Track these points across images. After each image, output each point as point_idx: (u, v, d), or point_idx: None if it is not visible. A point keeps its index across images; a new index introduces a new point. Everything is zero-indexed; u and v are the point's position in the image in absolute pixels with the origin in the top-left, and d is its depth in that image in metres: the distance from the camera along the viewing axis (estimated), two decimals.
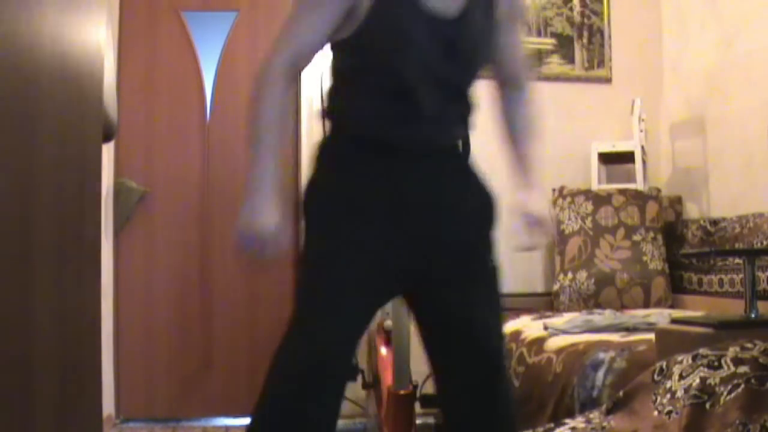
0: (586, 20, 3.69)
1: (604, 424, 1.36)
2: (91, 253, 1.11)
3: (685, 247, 3.15)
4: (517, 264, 3.58)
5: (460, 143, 1.59)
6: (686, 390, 1.27)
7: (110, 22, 2.65)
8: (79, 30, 1.05)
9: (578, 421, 1.42)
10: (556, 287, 3.22)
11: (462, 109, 1.55)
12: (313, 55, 1.41)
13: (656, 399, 1.33)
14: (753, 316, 1.71)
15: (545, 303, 3.30)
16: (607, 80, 3.70)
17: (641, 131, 3.36)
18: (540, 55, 3.66)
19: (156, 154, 3.44)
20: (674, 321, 1.75)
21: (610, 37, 3.70)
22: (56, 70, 0.96)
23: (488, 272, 1.46)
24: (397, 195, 1.39)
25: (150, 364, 3.41)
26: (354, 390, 2.82)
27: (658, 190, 3.35)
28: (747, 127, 2.98)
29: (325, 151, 1.47)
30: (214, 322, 3.40)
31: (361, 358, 3.08)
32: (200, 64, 3.51)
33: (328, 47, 1.44)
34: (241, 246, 1.35)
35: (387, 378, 2.26)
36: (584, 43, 3.69)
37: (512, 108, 1.61)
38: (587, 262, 3.15)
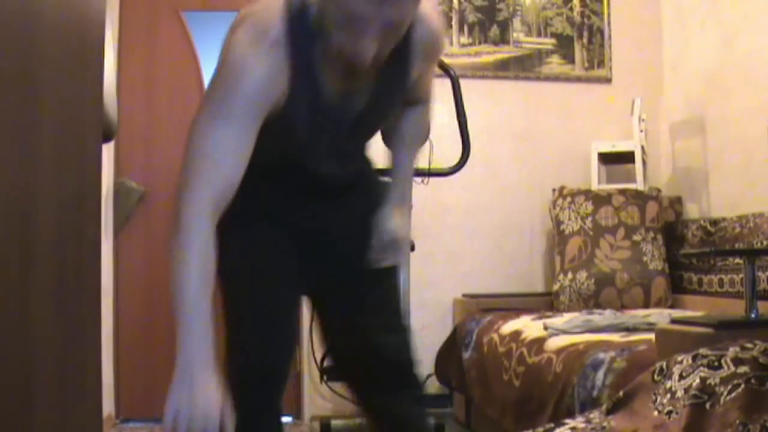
0: (586, 20, 3.69)
1: (604, 424, 1.36)
2: (91, 253, 1.11)
3: (685, 247, 3.15)
4: (517, 264, 3.59)
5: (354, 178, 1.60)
6: (686, 390, 1.27)
7: (110, 22, 2.65)
8: (79, 29, 1.05)
9: (578, 421, 1.42)
10: (556, 287, 3.22)
11: (357, 158, 1.60)
12: (238, 183, 1.29)
13: (656, 399, 1.33)
14: (753, 316, 1.71)
15: (545, 303, 3.30)
16: (607, 80, 3.70)
17: (641, 131, 3.36)
18: (540, 55, 3.66)
19: (156, 154, 3.44)
20: (674, 321, 1.75)
21: (610, 37, 3.71)
22: (56, 70, 0.96)
23: (375, 278, 1.56)
24: (295, 225, 1.52)
25: (150, 364, 3.41)
26: None
27: (658, 190, 3.35)
28: (747, 127, 2.98)
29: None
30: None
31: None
32: (200, 64, 3.51)
33: None
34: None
35: None
36: (584, 43, 3.69)
37: (405, 115, 1.59)
38: (587, 262, 3.15)
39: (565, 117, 3.67)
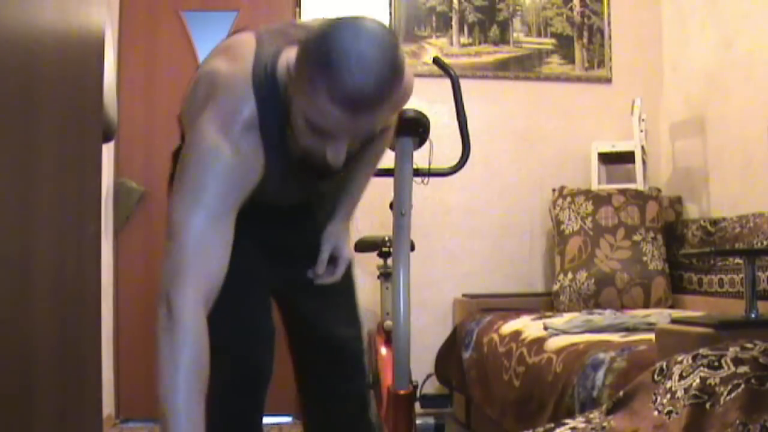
0: (586, 20, 3.69)
1: (604, 424, 1.36)
2: (91, 253, 1.11)
3: (685, 247, 3.15)
4: (517, 264, 3.59)
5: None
6: (686, 390, 1.27)
7: (110, 22, 2.66)
8: (79, 30, 1.05)
9: (578, 421, 1.42)
10: (556, 287, 3.22)
11: (319, 194, 1.67)
12: (226, 267, 1.26)
13: (656, 399, 1.33)
14: (753, 316, 1.71)
15: (545, 303, 3.30)
16: (607, 80, 3.70)
17: (641, 131, 3.36)
18: (540, 55, 3.66)
19: (156, 154, 3.43)
20: (674, 321, 1.75)
21: (610, 37, 3.71)
22: (56, 70, 0.96)
23: (333, 286, 1.67)
24: (265, 242, 1.58)
25: (150, 364, 3.38)
26: None
27: (658, 190, 3.35)
28: (747, 127, 2.98)
29: None
30: None
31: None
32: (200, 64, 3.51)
33: None
34: None
35: (387, 378, 2.27)
36: (584, 43, 3.69)
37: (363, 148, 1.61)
38: (587, 262, 3.15)
39: (565, 117, 3.67)
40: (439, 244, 3.52)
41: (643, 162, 3.38)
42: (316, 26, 1.21)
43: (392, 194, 1.98)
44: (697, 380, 1.27)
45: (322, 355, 1.73)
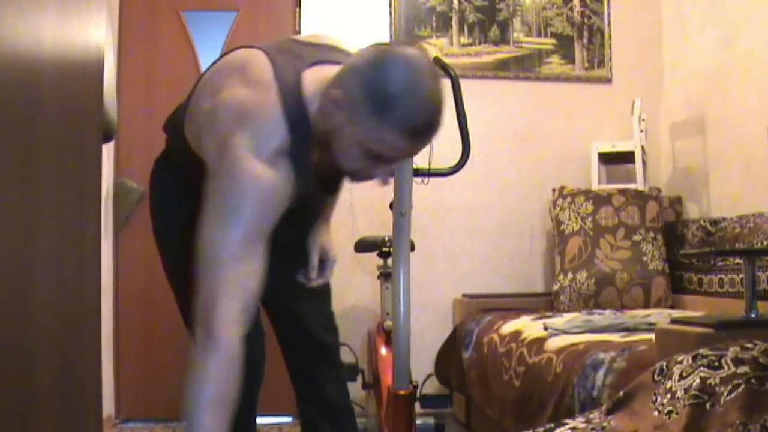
0: (586, 20, 3.69)
1: (604, 424, 1.36)
2: (91, 253, 1.11)
3: (685, 247, 3.15)
4: (517, 264, 3.59)
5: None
6: (686, 390, 1.27)
7: (110, 22, 2.66)
8: (79, 30, 1.05)
9: (578, 421, 1.42)
10: (556, 287, 3.22)
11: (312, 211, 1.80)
12: (261, 289, 1.32)
13: (656, 399, 1.33)
14: (753, 316, 1.70)
15: (545, 303, 3.30)
16: (607, 80, 3.70)
17: (641, 131, 3.36)
18: (540, 55, 3.66)
19: (156, 154, 3.42)
20: (674, 321, 1.75)
21: (610, 37, 3.71)
22: (56, 70, 0.96)
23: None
24: None
25: (150, 364, 3.41)
26: (354, 390, 2.82)
27: (658, 190, 3.35)
28: (747, 127, 2.98)
29: None
30: None
31: (361, 358, 3.09)
32: (200, 64, 3.51)
33: None
34: None
35: (387, 378, 2.26)
36: (584, 43, 3.69)
37: None
38: (587, 262, 3.15)
39: (565, 117, 3.67)
40: (439, 244, 3.52)
41: (643, 162, 3.38)
42: (361, 58, 1.25)
43: (392, 194, 1.98)
44: (697, 380, 1.27)
45: (308, 347, 1.85)
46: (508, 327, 2.67)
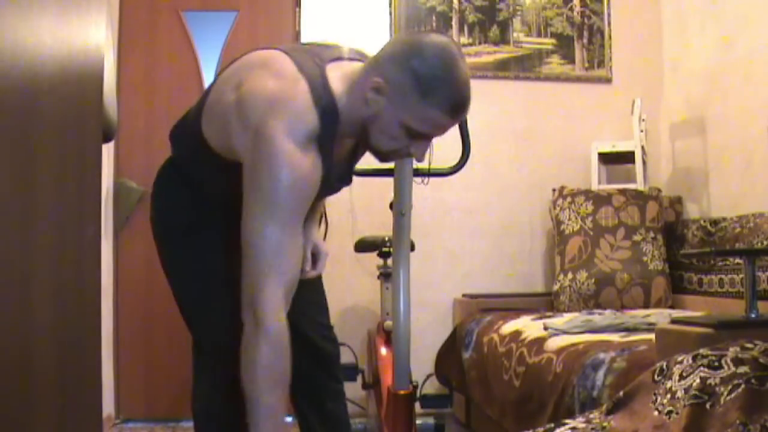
0: (586, 20, 3.69)
1: (604, 424, 1.37)
2: (91, 253, 1.11)
3: (685, 247, 3.15)
4: (517, 264, 3.59)
5: None
6: (686, 390, 1.27)
7: (110, 22, 2.66)
8: (79, 30, 1.05)
9: (578, 421, 1.42)
10: (556, 287, 3.22)
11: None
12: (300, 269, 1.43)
13: (656, 399, 1.33)
14: (753, 316, 1.70)
15: (545, 303, 3.30)
16: (607, 80, 3.70)
17: (641, 131, 3.36)
18: (540, 55, 3.66)
19: (156, 154, 3.43)
20: (674, 321, 1.75)
21: (610, 37, 3.71)
22: (56, 70, 0.96)
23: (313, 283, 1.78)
24: None
25: (150, 364, 3.41)
26: (354, 390, 2.82)
27: (659, 190, 3.35)
28: (747, 127, 2.98)
29: None
30: None
31: (361, 358, 3.09)
32: (200, 64, 3.51)
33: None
34: None
35: (387, 378, 2.26)
36: (584, 43, 3.69)
37: None
38: (587, 262, 3.15)
39: (565, 117, 3.67)
40: (439, 244, 3.52)
41: (643, 162, 3.38)
42: (395, 48, 1.38)
43: (392, 194, 1.98)
44: (697, 380, 1.27)
45: (308, 356, 1.82)
46: (508, 327, 2.67)
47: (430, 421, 2.61)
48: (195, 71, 3.51)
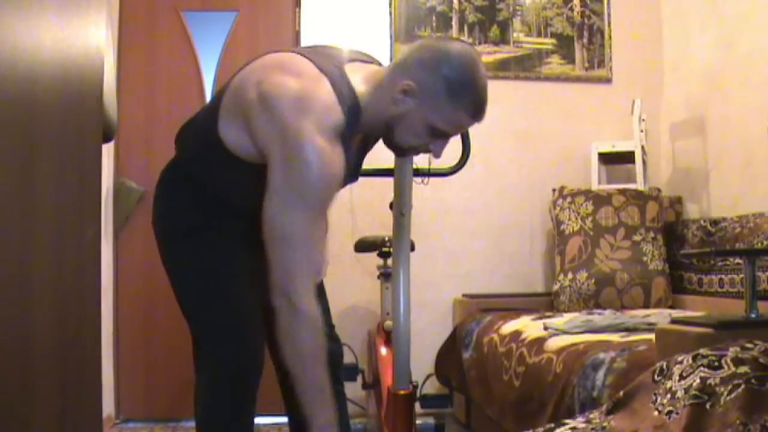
0: (586, 20, 3.69)
1: (604, 424, 1.37)
2: (91, 253, 1.11)
3: (685, 247, 3.15)
4: (517, 264, 3.59)
5: None
6: (686, 390, 1.27)
7: (110, 22, 2.66)
8: (79, 30, 1.05)
9: (578, 421, 1.42)
10: (556, 287, 3.22)
11: None
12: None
13: (656, 399, 1.33)
14: (753, 316, 1.70)
15: (545, 303, 3.30)
16: (607, 80, 3.70)
17: (641, 131, 3.36)
18: (540, 55, 3.66)
19: (156, 154, 3.43)
20: (674, 321, 1.75)
21: (610, 37, 3.71)
22: (56, 71, 0.96)
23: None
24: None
25: (150, 364, 3.41)
26: (354, 390, 2.82)
27: (659, 190, 3.35)
28: (747, 127, 2.98)
29: None
30: None
31: (361, 358, 3.09)
32: (200, 64, 3.51)
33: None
34: None
35: (387, 378, 2.27)
36: (584, 43, 3.69)
37: None
38: (587, 262, 3.15)
39: (565, 117, 3.67)
40: (439, 244, 3.52)
41: (643, 162, 3.38)
42: (424, 53, 1.48)
43: (392, 194, 1.98)
44: (697, 380, 1.27)
45: None
46: (508, 327, 2.67)
47: (430, 421, 2.61)
48: (195, 71, 3.51)
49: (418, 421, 2.11)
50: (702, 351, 1.34)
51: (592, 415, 1.45)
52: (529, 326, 2.56)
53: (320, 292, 1.88)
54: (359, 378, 2.82)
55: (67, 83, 1.01)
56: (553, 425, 1.43)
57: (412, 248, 2.04)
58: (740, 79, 3.06)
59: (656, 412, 1.30)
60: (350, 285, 3.40)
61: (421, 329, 3.29)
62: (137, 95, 3.45)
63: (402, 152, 1.62)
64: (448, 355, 3.12)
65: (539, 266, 3.62)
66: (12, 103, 0.83)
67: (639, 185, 3.33)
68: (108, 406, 3.27)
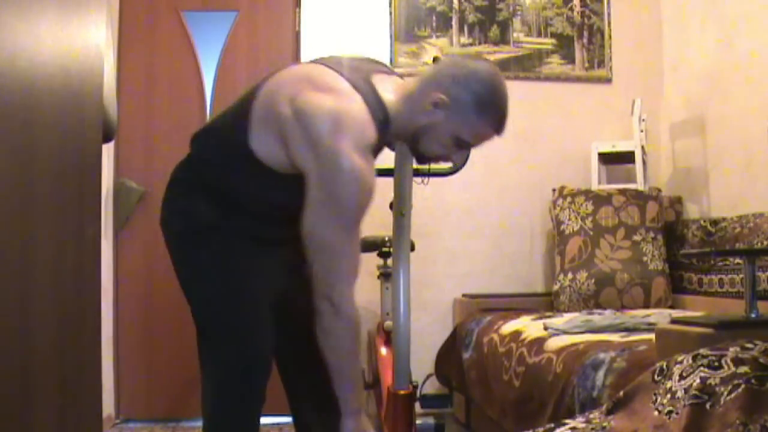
0: (586, 20, 3.69)
1: (604, 424, 1.37)
2: (91, 253, 1.11)
3: (685, 247, 3.15)
4: (517, 264, 3.59)
5: None
6: (686, 390, 1.27)
7: (110, 22, 2.66)
8: (79, 30, 1.05)
9: (578, 421, 1.42)
10: (556, 287, 3.22)
11: None
12: None
13: (656, 399, 1.33)
14: (753, 316, 1.70)
15: (545, 303, 3.30)
16: (607, 80, 3.70)
17: (641, 131, 3.36)
18: (540, 55, 3.66)
19: (156, 154, 3.44)
20: (674, 321, 1.75)
21: (610, 37, 3.71)
22: (56, 71, 0.96)
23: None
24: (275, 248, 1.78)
25: (150, 364, 3.41)
26: None
27: (659, 190, 3.35)
28: (747, 127, 2.98)
29: None
30: None
31: (361, 358, 3.09)
32: (200, 64, 3.51)
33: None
34: None
35: (387, 378, 2.27)
36: (584, 43, 3.69)
37: None
38: (587, 262, 3.15)
39: (565, 117, 3.67)
40: (439, 244, 3.52)
41: (643, 162, 3.38)
42: (455, 69, 1.59)
43: (392, 194, 1.98)
44: (697, 380, 1.27)
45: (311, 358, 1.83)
46: (508, 327, 2.67)
47: (430, 421, 2.61)
48: (195, 71, 3.51)
49: (418, 421, 2.11)
50: (702, 351, 1.34)
51: (592, 415, 1.45)
52: (529, 326, 2.56)
53: None
54: None
55: (67, 83, 1.01)
56: (553, 425, 1.43)
57: (412, 248, 2.04)
58: (740, 79, 3.06)
59: (656, 412, 1.30)
60: None
61: (421, 329, 3.29)
62: (137, 95, 3.45)
63: (425, 160, 1.71)
64: (448, 355, 3.12)
65: (539, 266, 3.62)
66: (12, 102, 0.83)
67: (639, 185, 3.33)
68: (108, 406, 3.27)
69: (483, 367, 2.70)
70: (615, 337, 2.19)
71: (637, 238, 3.17)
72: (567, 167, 3.62)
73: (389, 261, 2.74)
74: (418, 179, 2.01)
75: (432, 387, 3.24)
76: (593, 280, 3.11)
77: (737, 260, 2.82)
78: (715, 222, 3.03)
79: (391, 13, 3.56)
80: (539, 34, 3.66)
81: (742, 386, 1.21)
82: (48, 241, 0.94)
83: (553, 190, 3.43)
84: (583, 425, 1.38)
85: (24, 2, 0.85)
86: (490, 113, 1.58)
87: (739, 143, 3.06)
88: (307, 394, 1.85)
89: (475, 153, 2.39)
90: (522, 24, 3.65)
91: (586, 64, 3.68)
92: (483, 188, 3.58)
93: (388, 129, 1.61)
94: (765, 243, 2.65)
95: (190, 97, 3.50)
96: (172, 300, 3.63)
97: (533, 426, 1.70)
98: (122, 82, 3.36)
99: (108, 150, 3.33)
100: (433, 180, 2.11)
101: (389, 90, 1.62)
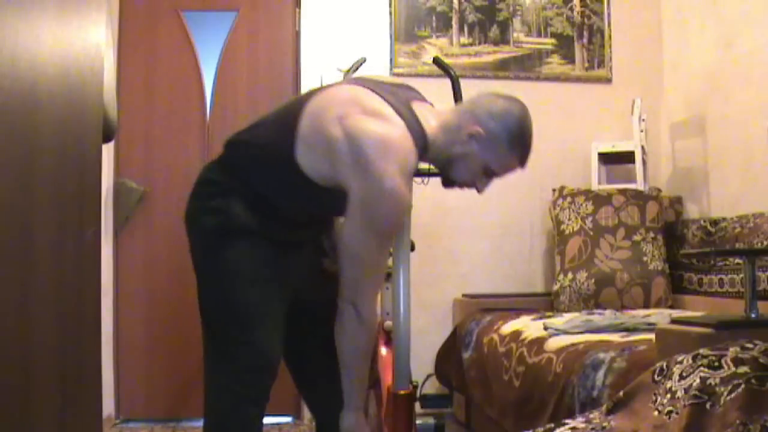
0: (586, 20, 3.69)
1: (604, 424, 1.37)
2: (91, 253, 1.11)
3: (685, 247, 3.15)
4: (517, 264, 3.59)
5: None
6: (686, 390, 1.27)
7: (110, 22, 2.66)
8: (79, 30, 1.05)
9: (578, 421, 1.42)
10: (556, 287, 3.22)
11: None
12: None
13: (656, 399, 1.33)
14: (753, 316, 1.70)
15: (545, 303, 3.30)
16: (607, 80, 3.70)
17: (641, 131, 3.36)
18: (540, 55, 3.66)
19: (156, 154, 3.44)
20: (674, 321, 1.75)
21: (610, 37, 3.71)
22: (56, 70, 0.96)
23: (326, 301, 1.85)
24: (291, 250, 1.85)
25: (150, 364, 3.41)
26: None
27: (659, 190, 3.35)
28: (747, 127, 2.98)
29: None
30: None
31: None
32: (200, 64, 3.51)
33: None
34: None
35: (387, 378, 2.26)
36: (584, 43, 3.69)
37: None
38: (587, 262, 3.15)
39: (565, 117, 3.67)
40: (439, 244, 3.52)
41: (643, 162, 3.38)
42: (491, 106, 1.74)
43: None
44: (697, 380, 1.27)
45: (321, 362, 1.88)
46: (508, 327, 2.67)
47: (430, 421, 2.60)
48: (195, 71, 3.51)
49: (418, 421, 2.11)
50: (702, 351, 1.34)
51: (592, 415, 1.45)
52: (529, 326, 2.56)
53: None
54: None
55: (67, 83, 1.01)
56: (553, 425, 1.43)
57: (412, 248, 2.04)
58: (740, 79, 3.06)
59: (656, 412, 1.30)
60: None
61: (421, 329, 3.29)
62: (137, 95, 3.45)
63: (452, 185, 1.83)
64: (448, 355, 3.12)
65: (539, 266, 3.62)
66: (12, 102, 0.83)
67: (639, 185, 3.33)
68: (108, 406, 3.27)
69: (483, 367, 2.70)
70: (615, 337, 2.19)
71: (637, 238, 3.17)
72: (567, 167, 3.62)
73: (389, 261, 2.73)
74: (418, 179, 2.01)
75: (432, 387, 3.24)
76: (593, 280, 3.11)
77: (737, 260, 2.82)
78: (715, 222, 3.03)
79: (391, 13, 3.56)
80: (539, 34, 3.67)
81: (742, 386, 1.21)
82: (48, 241, 0.94)
83: (553, 190, 3.43)
84: (583, 425, 1.38)
85: (24, 3, 0.85)
86: (519, 149, 1.75)
87: (739, 143, 3.06)
88: (325, 392, 1.89)
89: None
90: (522, 24, 3.65)
91: (586, 64, 3.68)
92: None
93: (426, 154, 1.73)
94: (765, 243, 2.65)
95: (190, 97, 3.50)
96: (173, 300, 3.64)
97: (533, 426, 1.70)
98: (122, 82, 3.36)
99: (108, 150, 3.33)
100: (433, 180, 2.11)
101: (428, 118, 1.73)
